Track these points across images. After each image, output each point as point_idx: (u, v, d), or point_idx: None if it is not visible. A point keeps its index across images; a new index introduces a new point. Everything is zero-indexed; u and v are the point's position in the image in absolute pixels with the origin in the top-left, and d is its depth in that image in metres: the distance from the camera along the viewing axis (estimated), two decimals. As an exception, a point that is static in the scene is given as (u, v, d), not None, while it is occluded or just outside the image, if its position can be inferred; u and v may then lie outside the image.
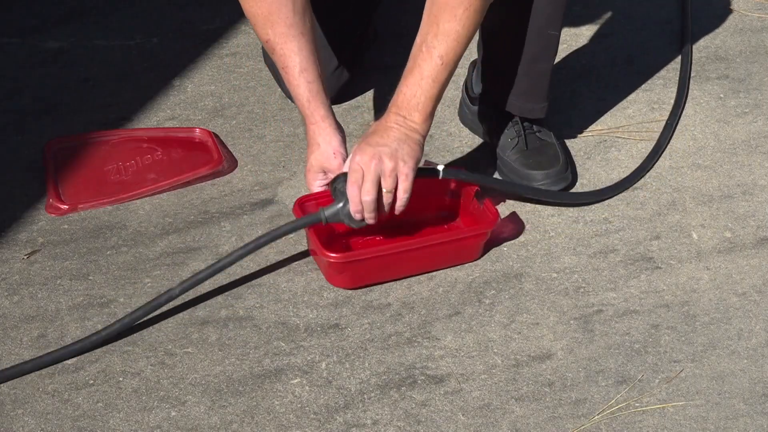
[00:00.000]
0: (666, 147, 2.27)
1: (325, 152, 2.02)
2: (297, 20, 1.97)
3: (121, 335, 1.89)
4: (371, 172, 1.86)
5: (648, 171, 2.21)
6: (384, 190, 1.88)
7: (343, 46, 2.32)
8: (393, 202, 1.90)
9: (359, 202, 1.88)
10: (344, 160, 2.00)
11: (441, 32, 1.89)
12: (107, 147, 2.27)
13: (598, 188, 2.17)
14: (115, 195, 2.16)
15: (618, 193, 2.16)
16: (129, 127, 2.34)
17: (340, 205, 1.92)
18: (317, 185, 2.05)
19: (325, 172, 2.03)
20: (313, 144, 2.04)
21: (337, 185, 1.93)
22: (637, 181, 2.19)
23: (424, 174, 1.94)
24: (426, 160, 2.08)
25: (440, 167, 1.98)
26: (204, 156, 2.24)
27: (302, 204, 2.00)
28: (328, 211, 1.92)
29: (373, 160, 1.86)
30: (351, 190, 1.88)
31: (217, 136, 2.29)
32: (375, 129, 1.91)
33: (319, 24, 2.26)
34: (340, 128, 2.06)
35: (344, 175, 1.92)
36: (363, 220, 1.90)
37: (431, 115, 1.92)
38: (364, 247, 2.01)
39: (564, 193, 2.15)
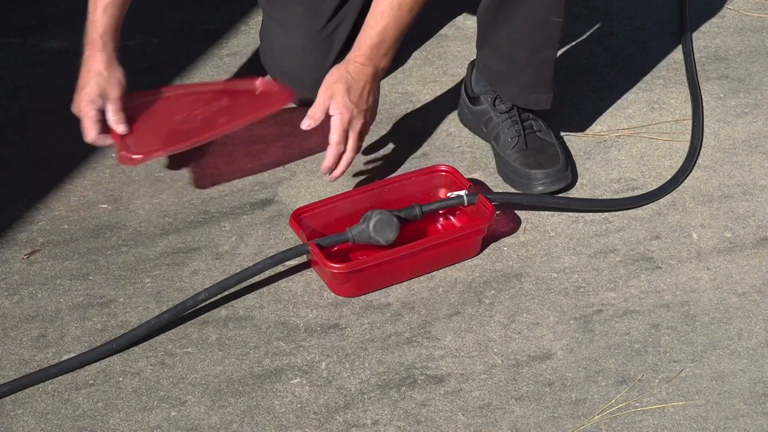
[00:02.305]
0: (700, 148, 2.27)
1: (109, 79, 2.04)
2: None
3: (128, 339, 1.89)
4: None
5: (688, 174, 2.20)
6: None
7: (338, 41, 2.32)
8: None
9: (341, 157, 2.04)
10: (125, 92, 2.07)
11: None
12: (170, 101, 2.21)
13: (636, 195, 2.15)
14: (187, 139, 2.11)
15: (657, 200, 2.15)
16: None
17: (369, 224, 1.97)
18: (92, 110, 2.04)
19: (102, 99, 2.04)
20: (93, 70, 2.04)
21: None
22: (678, 185, 2.19)
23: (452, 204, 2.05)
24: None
25: (465, 193, 2.05)
26: (271, 97, 2.19)
27: (299, 217, 2.01)
28: (355, 230, 1.98)
29: (349, 114, 2.03)
30: (337, 134, 2.02)
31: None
32: (349, 78, 2.03)
33: (313, 19, 2.27)
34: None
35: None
36: (390, 233, 1.97)
37: (391, 58, 2.08)
38: (365, 255, 2.01)
39: (602, 200, 2.15)
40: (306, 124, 2.05)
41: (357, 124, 2.04)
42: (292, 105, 2.21)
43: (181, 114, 2.17)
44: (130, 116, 2.11)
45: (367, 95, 2.04)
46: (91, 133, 2.06)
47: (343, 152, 2.05)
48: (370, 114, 2.07)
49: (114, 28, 2.06)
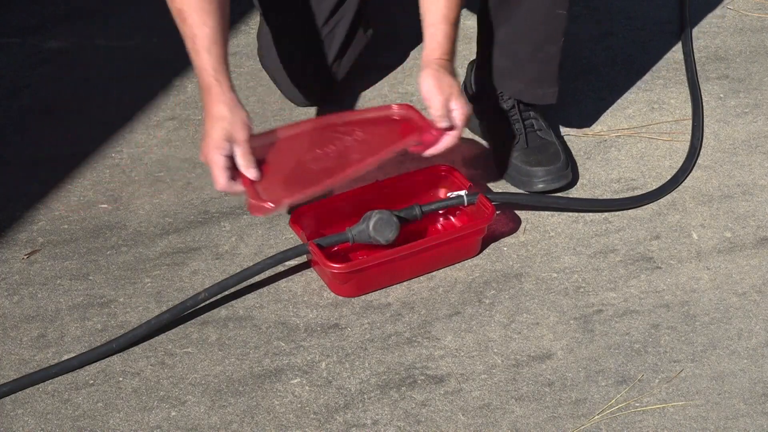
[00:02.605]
0: (700, 148, 2.27)
1: (234, 122, 1.91)
2: None
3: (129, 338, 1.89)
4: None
5: (688, 174, 2.20)
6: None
7: (337, 43, 2.32)
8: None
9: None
10: (251, 134, 1.94)
11: None
12: (298, 138, 2.02)
13: (636, 194, 2.15)
14: (320, 182, 1.93)
15: (657, 200, 2.15)
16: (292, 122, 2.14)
17: (369, 224, 1.96)
18: (221, 157, 1.90)
19: (230, 144, 1.91)
20: (215, 115, 1.91)
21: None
22: (678, 185, 2.19)
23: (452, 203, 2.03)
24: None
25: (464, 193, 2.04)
26: (409, 127, 2.00)
27: (299, 217, 2.00)
28: (355, 230, 1.97)
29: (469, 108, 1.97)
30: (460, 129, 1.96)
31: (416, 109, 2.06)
32: (448, 74, 1.97)
33: (312, 20, 2.27)
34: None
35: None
36: (390, 233, 1.96)
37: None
38: (365, 255, 2.00)
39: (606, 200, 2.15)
40: (444, 122, 1.95)
41: (470, 112, 2.01)
42: (432, 136, 2.00)
43: (312, 152, 1.99)
44: (258, 158, 1.93)
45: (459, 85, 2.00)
46: (220, 180, 1.91)
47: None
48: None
49: (224, 67, 1.93)
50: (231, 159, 1.91)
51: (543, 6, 2.05)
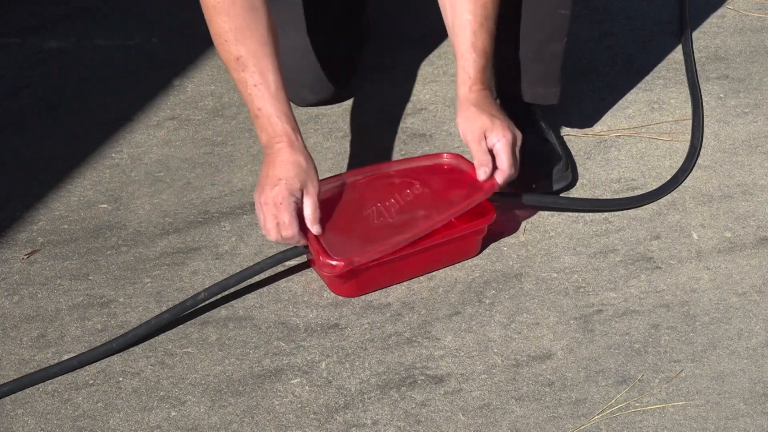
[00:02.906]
0: (700, 148, 2.27)
1: (310, 173, 1.89)
2: (269, 37, 1.91)
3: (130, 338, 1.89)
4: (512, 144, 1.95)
5: (688, 174, 2.20)
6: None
7: (337, 42, 2.32)
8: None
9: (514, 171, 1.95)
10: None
11: (489, 1, 1.95)
12: (354, 189, 2.01)
13: (636, 194, 2.15)
14: (388, 240, 1.91)
15: (657, 200, 2.15)
16: (343, 170, 2.15)
17: None
18: (294, 204, 1.87)
19: (301, 193, 1.88)
20: (291, 161, 1.88)
21: None
22: (679, 185, 2.19)
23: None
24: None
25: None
26: (463, 181, 2.01)
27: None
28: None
29: (510, 133, 1.94)
30: (508, 158, 1.93)
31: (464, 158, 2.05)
32: (482, 110, 1.94)
33: (312, 20, 2.27)
34: None
35: None
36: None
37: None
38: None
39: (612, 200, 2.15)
40: (483, 172, 1.94)
41: (519, 140, 1.96)
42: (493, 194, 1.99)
43: (372, 205, 1.98)
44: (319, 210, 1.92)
45: (501, 113, 1.97)
46: (293, 227, 1.87)
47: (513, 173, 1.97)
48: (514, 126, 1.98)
49: (291, 112, 1.92)
50: (298, 208, 1.89)
51: (546, 5, 2.04)
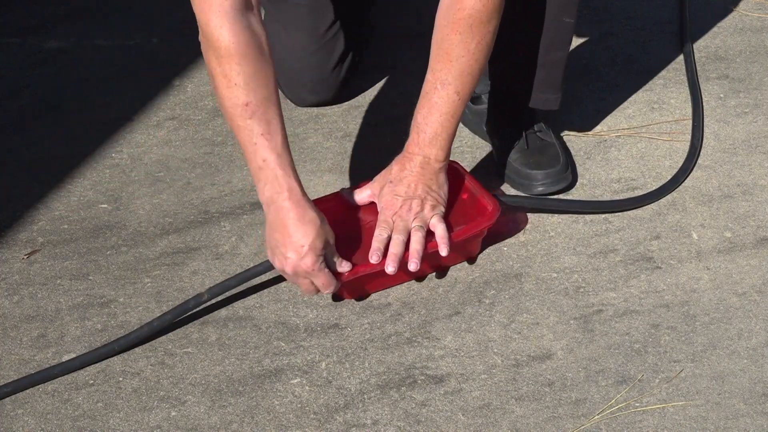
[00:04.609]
0: (700, 148, 2.27)
1: (325, 227, 1.86)
2: (275, 86, 1.84)
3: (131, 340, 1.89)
4: (401, 227, 1.91)
5: (688, 174, 2.20)
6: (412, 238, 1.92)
7: (340, 43, 2.32)
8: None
9: (389, 254, 1.90)
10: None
11: (455, 68, 1.89)
12: (355, 213, 2.02)
13: (636, 195, 2.15)
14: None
15: (657, 200, 2.15)
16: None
17: None
18: (323, 265, 1.86)
19: (324, 249, 1.86)
20: (307, 221, 1.83)
21: None
22: (679, 185, 2.19)
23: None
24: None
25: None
26: (460, 189, 2.03)
27: None
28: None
29: (406, 210, 1.92)
30: (377, 242, 1.90)
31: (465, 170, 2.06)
32: (399, 173, 1.94)
33: (315, 21, 2.27)
34: None
35: None
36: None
37: (450, 148, 1.95)
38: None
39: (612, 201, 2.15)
40: (375, 253, 1.91)
41: (404, 212, 1.93)
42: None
43: (372, 219, 1.99)
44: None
45: (415, 185, 1.94)
46: (331, 285, 1.87)
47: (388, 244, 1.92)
48: (429, 200, 1.94)
49: (294, 165, 1.85)
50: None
51: (550, 13, 2.04)
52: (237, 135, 1.83)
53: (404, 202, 1.93)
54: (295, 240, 1.82)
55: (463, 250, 2.02)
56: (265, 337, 1.91)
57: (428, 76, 1.93)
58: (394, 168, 1.96)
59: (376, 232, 1.92)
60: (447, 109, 1.92)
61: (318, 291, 1.90)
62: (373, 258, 1.89)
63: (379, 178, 1.99)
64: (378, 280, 1.95)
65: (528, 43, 2.09)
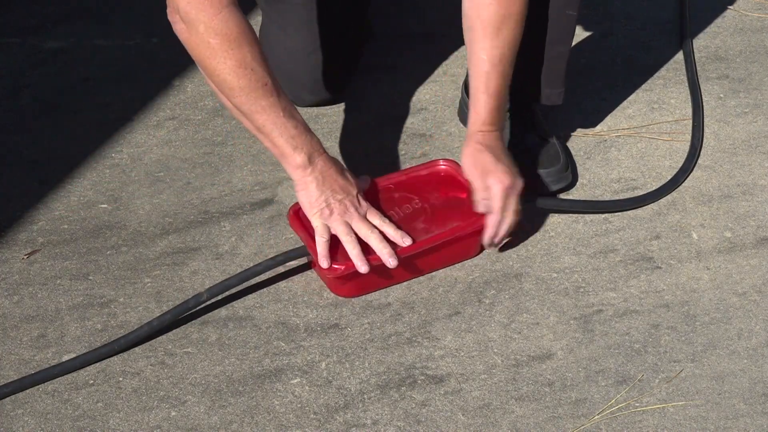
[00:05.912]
0: (700, 148, 2.27)
1: (355, 178, 1.96)
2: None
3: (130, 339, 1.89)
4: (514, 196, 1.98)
5: (688, 174, 2.20)
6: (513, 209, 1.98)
7: (338, 43, 2.32)
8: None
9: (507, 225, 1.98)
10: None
11: (505, 42, 1.95)
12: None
13: (636, 195, 2.15)
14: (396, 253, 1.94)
15: (657, 200, 2.15)
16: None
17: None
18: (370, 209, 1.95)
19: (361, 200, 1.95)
20: (337, 174, 1.94)
21: None
22: (680, 185, 2.19)
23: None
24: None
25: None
26: (459, 188, 2.05)
27: (298, 212, 1.99)
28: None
29: (509, 179, 1.96)
30: (499, 203, 1.95)
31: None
32: (487, 148, 1.97)
33: (314, 22, 2.27)
34: None
35: None
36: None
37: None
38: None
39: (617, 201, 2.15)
40: (483, 206, 1.97)
41: (518, 186, 1.98)
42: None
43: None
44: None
45: (507, 157, 2.00)
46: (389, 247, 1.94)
47: (503, 219, 1.98)
48: (517, 173, 2.00)
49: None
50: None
51: (553, 7, 2.04)
52: (259, 116, 1.88)
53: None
54: (350, 184, 1.95)
55: (463, 249, 2.02)
56: (265, 337, 1.91)
57: (478, 54, 1.96)
58: (479, 146, 1.99)
59: (498, 207, 1.96)
60: (504, 87, 1.99)
61: (357, 248, 1.91)
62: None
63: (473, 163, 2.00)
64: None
65: (532, 37, 2.08)
